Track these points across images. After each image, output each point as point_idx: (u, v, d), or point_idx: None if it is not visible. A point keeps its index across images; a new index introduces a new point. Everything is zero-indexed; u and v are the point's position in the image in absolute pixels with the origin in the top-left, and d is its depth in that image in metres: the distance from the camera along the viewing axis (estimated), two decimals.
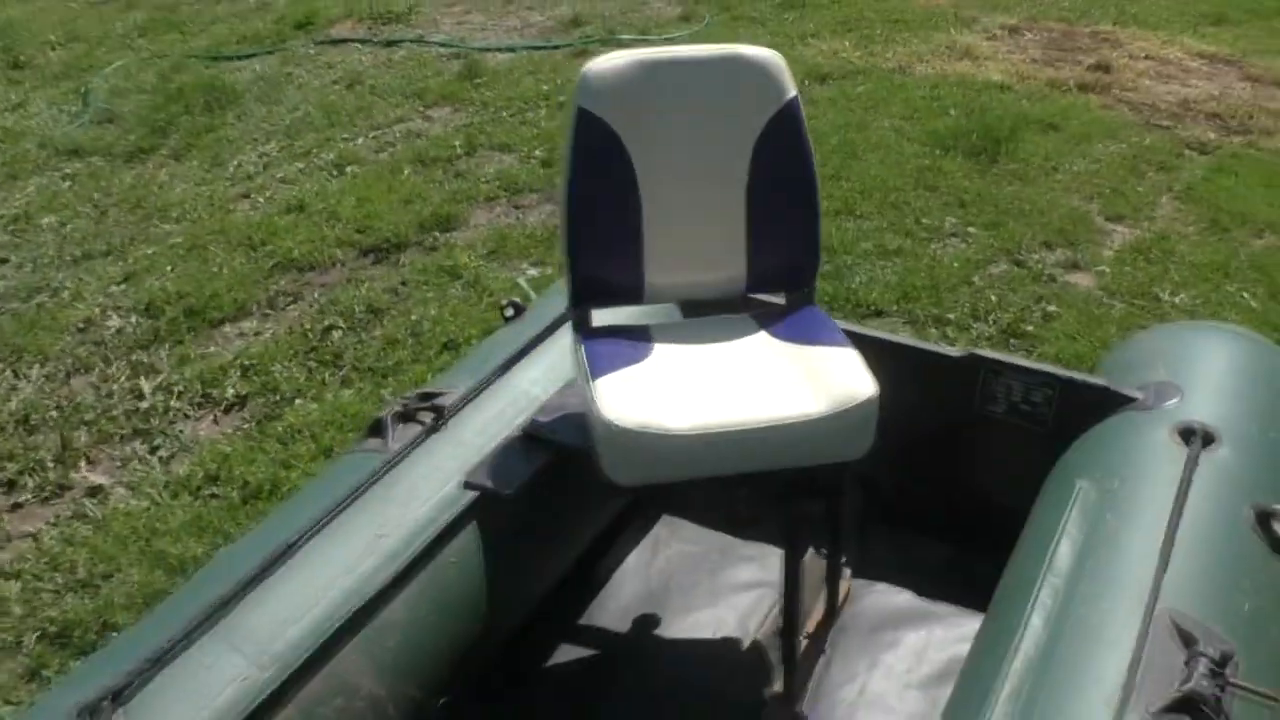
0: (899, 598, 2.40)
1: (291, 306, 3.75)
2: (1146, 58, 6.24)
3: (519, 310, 2.43)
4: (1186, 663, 1.56)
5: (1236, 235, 4.11)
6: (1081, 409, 2.23)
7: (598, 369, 1.86)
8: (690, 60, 1.97)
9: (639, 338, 2.02)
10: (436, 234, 4.22)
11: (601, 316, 2.07)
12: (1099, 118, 5.30)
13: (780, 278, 2.12)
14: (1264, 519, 1.88)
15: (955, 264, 3.88)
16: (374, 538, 1.85)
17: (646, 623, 2.36)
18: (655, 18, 7.09)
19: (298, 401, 3.20)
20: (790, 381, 1.86)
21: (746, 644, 2.30)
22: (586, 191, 1.95)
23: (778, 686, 2.19)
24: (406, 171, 4.75)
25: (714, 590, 2.43)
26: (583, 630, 2.35)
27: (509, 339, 2.32)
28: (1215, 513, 1.87)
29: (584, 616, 2.38)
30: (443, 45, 6.40)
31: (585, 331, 2.03)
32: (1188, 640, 1.60)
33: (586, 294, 2.02)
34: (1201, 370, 2.26)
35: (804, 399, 1.80)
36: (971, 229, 4.16)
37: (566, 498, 2.16)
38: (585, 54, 6.31)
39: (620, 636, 2.33)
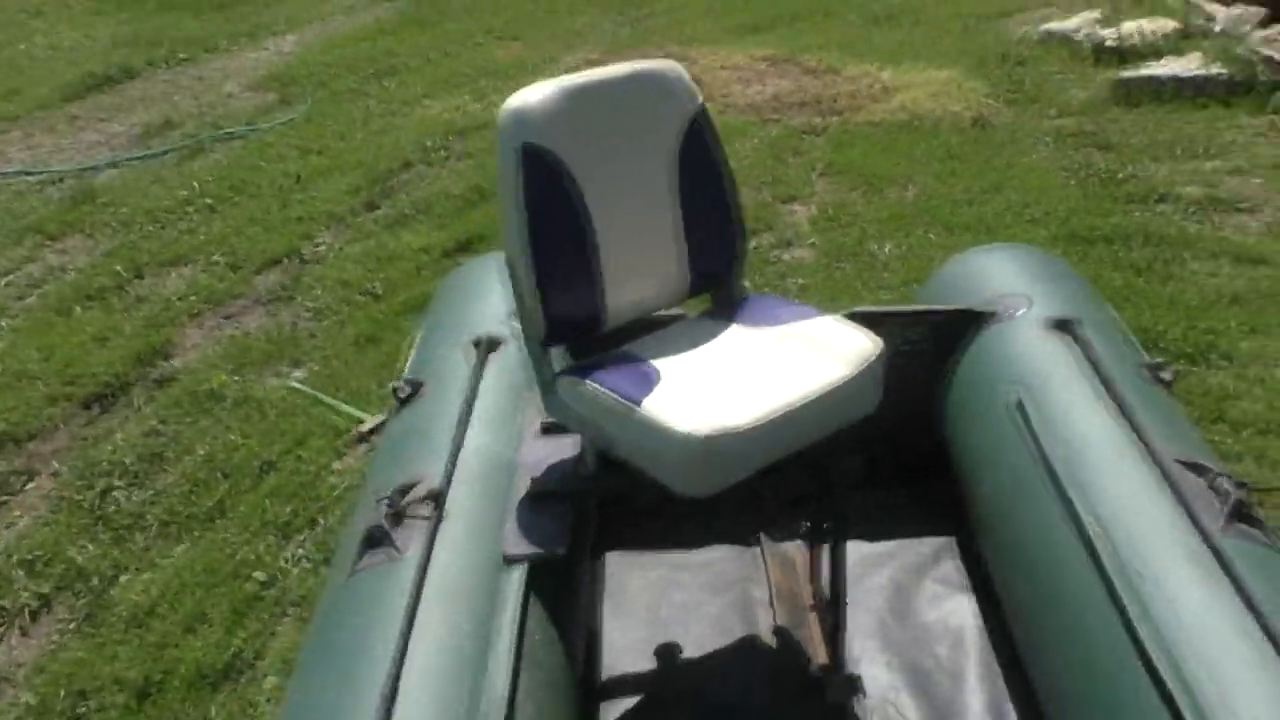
0: (852, 547, 2.56)
1: (31, 485, 3.16)
2: (722, 67, 7.02)
3: (416, 386, 2.30)
4: (1211, 485, 1.89)
5: (889, 192, 4.80)
6: (952, 335, 2.55)
7: (630, 395, 1.84)
8: (610, 80, 1.99)
9: (628, 360, 1.99)
10: (159, 364, 3.75)
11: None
12: (723, 122, 5.90)
13: (715, 276, 2.19)
14: (1154, 370, 2.30)
15: None
16: (458, 643, 1.70)
17: (668, 657, 2.32)
18: (250, 107, 6.74)
19: (123, 578, 2.72)
20: (802, 356, 1.95)
21: (767, 636, 2.35)
22: (545, 229, 1.91)
23: (821, 659, 2.27)
24: (77, 310, 4.15)
25: (701, 602, 2.45)
26: (614, 685, 2.27)
27: (427, 414, 2.20)
28: (1124, 376, 2.24)
29: (603, 672, 2.29)
30: (29, 174, 5.62)
31: (568, 370, 1.98)
32: (1198, 470, 1.93)
33: (558, 333, 1.99)
34: (1021, 280, 2.66)
35: (826, 367, 1.90)
36: None
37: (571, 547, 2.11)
38: (200, 153, 5.88)
39: (653, 677, 2.28)
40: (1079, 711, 1.78)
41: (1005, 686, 2.19)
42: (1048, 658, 1.91)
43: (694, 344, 2.06)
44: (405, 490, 1.95)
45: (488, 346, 2.36)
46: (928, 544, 2.57)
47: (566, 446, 2.16)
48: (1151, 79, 5.82)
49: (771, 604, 2.42)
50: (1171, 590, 1.70)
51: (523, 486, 2.04)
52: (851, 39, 7.75)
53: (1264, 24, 6.15)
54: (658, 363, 1.98)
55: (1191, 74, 5.73)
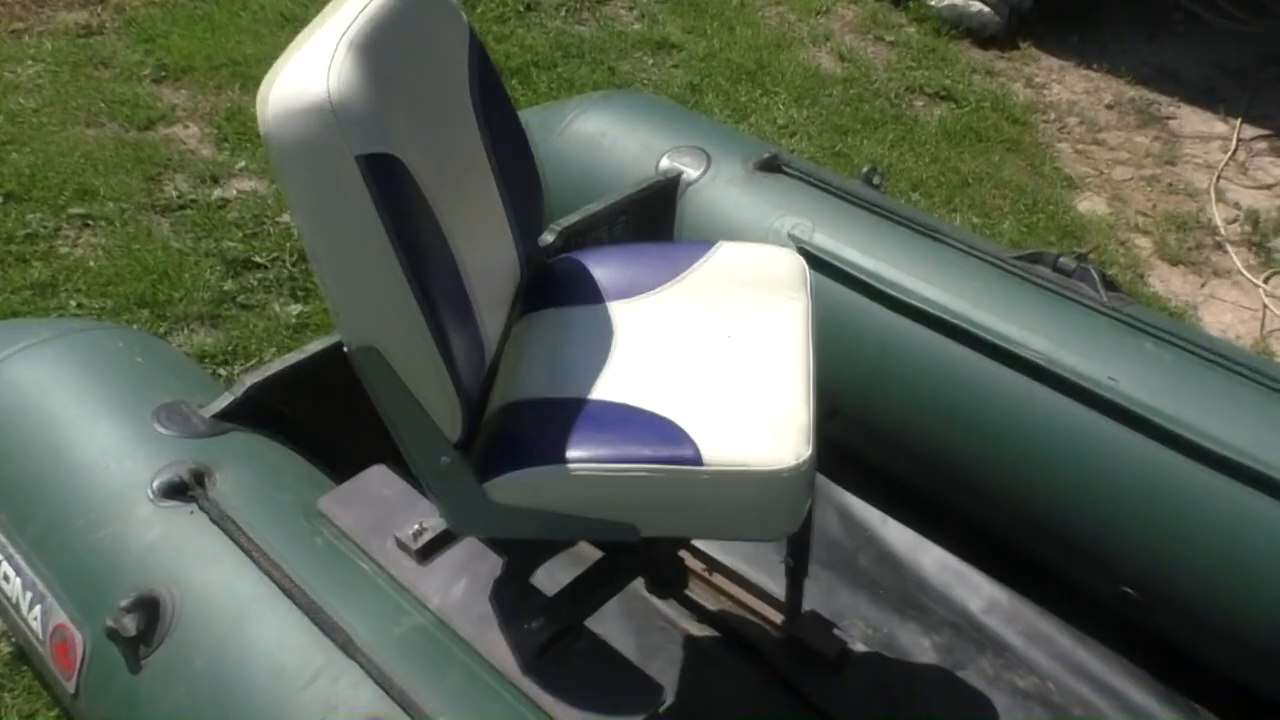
0: None
1: None
2: None
3: (148, 604, 1.43)
4: (1059, 267, 1.98)
5: None
6: (654, 210, 2.27)
7: (662, 454, 1.29)
8: (385, 11, 1.26)
9: (564, 408, 1.38)
10: None
11: None
12: None
13: (530, 248, 1.65)
14: (868, 178, 2.27)
15: None
16: None
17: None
18: None
19: None
20: (753, 303, 1.55)
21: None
22: (424, 274, 1.18)
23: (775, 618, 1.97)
24: None
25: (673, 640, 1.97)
26: None
27: (215, 632, 1.42)
28: (867, 194, 2.18)
29: None
30: None
31: (499, 461, 1.33)
32: (1035, 258, 2.03)
33: (471, 417, 1.31)
34: (648, 126, 2.40)
35: (787, 304, 1.54)
36: None
37: None
38: None
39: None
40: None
41: (958, 563, 2.11)
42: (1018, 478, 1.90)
43: (601, 344, 1.48)
44: None
45: (198, 483, 1.55)
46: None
47: (478, 566, 1.50)
48: None
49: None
50: (1115, 364, 1.79)
51: (494, 647, 1.38)
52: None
53: None
54: (603, 394, 1.38)
55: None
